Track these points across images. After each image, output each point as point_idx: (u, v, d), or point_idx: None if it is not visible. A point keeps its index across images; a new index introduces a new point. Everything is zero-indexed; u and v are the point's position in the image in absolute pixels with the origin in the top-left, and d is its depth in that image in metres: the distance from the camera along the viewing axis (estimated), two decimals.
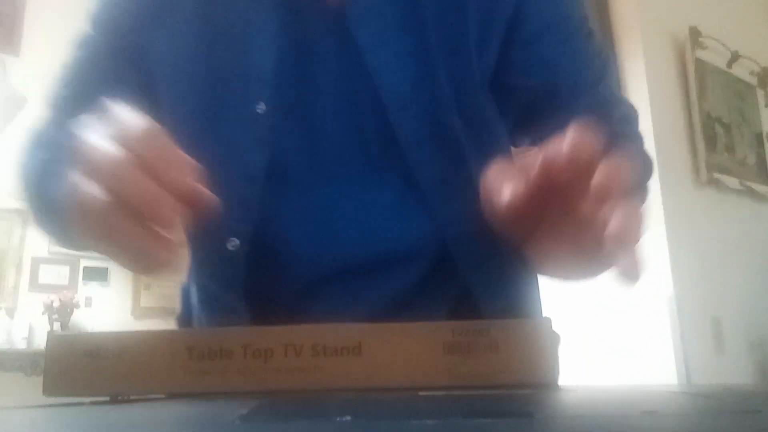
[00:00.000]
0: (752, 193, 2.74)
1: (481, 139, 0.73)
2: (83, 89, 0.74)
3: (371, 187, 0.71)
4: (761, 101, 3.01)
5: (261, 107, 0.67)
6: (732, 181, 2.64)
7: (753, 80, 2.98)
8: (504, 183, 0.49)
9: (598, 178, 0.45)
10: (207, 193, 0.46)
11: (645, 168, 0.77)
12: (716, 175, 2.55)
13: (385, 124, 0.69)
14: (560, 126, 0.63)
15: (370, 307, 0.70)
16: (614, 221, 0.44)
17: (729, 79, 2.84)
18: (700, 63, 2.64)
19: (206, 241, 0.70)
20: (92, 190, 0.44)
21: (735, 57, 2.82)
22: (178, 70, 0.71)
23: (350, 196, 0.70)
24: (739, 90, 2.91)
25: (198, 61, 0.70)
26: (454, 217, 0.70)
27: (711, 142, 2.60)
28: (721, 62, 2.78)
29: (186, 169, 0.46)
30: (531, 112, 0.78)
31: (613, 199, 0.45)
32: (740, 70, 2.89)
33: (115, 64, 0.73)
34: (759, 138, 2.95)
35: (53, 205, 0.60)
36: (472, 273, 0.72)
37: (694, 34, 2.63)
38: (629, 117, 0.80)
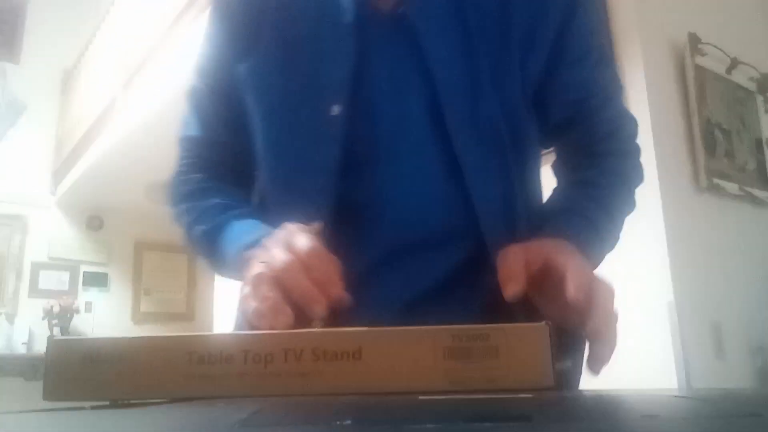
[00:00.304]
0: (752, 199, 2.74)
1: (517, 137, 0.83)
2: (201, 133, 0.93)
3: (423, 173, 0.81)
4: (761, 107, 3.01)
5: (335, 110, 0.79)
6: (732, 187, 2.64)
7: (752, 86, 2.98)
8: (510, 277, 0.65)
9: (591, 322, 0.63)
10: (346, 295, 0.63)
11: (638, 179, 0.91)
12: (716, 181, 2.55)
13: (436, 115, 0.80)
14: (583, 135, 0.90)
15: (415, 287, 0.80)
16: (599, 346, 0.64)
17: (728, 85, 2.84)
18: (699, 69, 2.64)
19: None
20: (266, 275, 0.63)
21: (734, 63, 2.82)
22: (265, 89, 0.85)
23: (404, 181, 0.81)
24: (739, 96, 2.91)
25: (280, 77, 0.83)
26: (490, 202, 0.80)
27: (711, 147, 2.60)
28: (720, 68, 2.78)
29: (336, 277, 0.63)
30: (561, 122, 0.90)
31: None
32: (740, 76, 2.89)
33: (217, 103, 0.91)
34: (759, 144, 2.95)
35: (220, 261, 0.82)
36: None
37: (694, 40, 2.63)
38: (633, 133, 0.93)
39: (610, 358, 0.65)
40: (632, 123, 0.94)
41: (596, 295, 0.65)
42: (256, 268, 0.65)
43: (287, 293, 0.62)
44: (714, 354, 2.30)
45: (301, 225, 0.69)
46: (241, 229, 0.79)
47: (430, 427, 0.30)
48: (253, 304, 0.63)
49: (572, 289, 0.62)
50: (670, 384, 2.07)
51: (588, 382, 0.84)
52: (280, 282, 0.62)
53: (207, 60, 0.92)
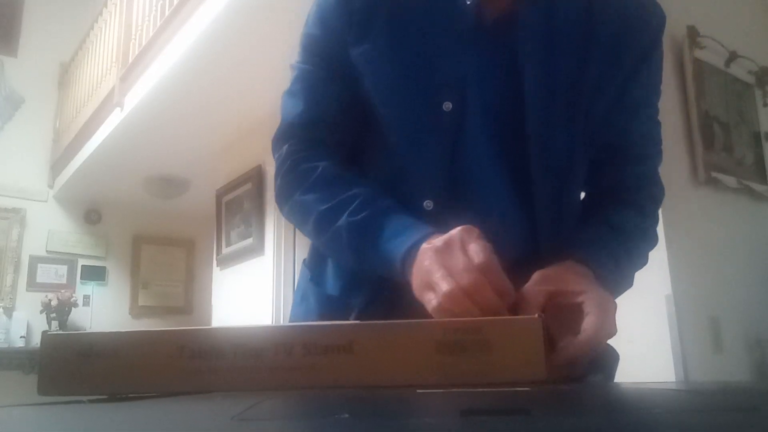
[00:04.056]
0: (750, 192, 2.74)
1: (574, 168, 0.88)
2: (317, 115, 0.91)
3: (497, 173, 0.86)
4: (759, 100, 3.01)
5: (447, 106, 0.84)
6: (730, 180, 2.64)
7: (751, 79, 2.98)
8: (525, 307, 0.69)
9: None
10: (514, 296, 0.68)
11: (653, 242, 0.94)
12: (714, 174, 2.55)
13: (517, 127, 0.84)
14: (612, 181, 0.94)
15: None
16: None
17: (727, 79, 2.84)
18: (698, 62, 2.64)
19: (405, 200, 0.84)
20: (458, 294, 0.65)
21: (733, 56, 2.82)
22: (383, 74, 0.87)
23: (482, 177, 0.86)
24: (737, 89, 2.91)
25: (393, 66, 0.86)
26: (548, 213, 0.86)
27: (709, 141, 2.59)
28: (719, 62, 2.78)
29: (509, 285, 0.67)
30: (596, 161, 0.92)
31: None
32: (738, 70, 2.89)
33: (333, 85, 0.91)
34: (757, 137, 2.95)
35: (371, 254, 0.79)
36: None
37: (692, 33, 2.63)
38: (658, 200, 0.97)
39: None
40: (661, 191, 0.98)
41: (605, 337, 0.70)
42: (444, 283, 0.67)
43: (476, 306, 0.65)
44: (712, 348, 2.30)
45: (470, 228, 0.71)
46: (402, 224, 0.79)
47: (428, 420, 0.30)
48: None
49: (590, 337, 0.68)
50: (667, 377, 2.07)
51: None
52: (472, 299, 0.65)
53: (321, 43, 0.91)
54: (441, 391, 0.48)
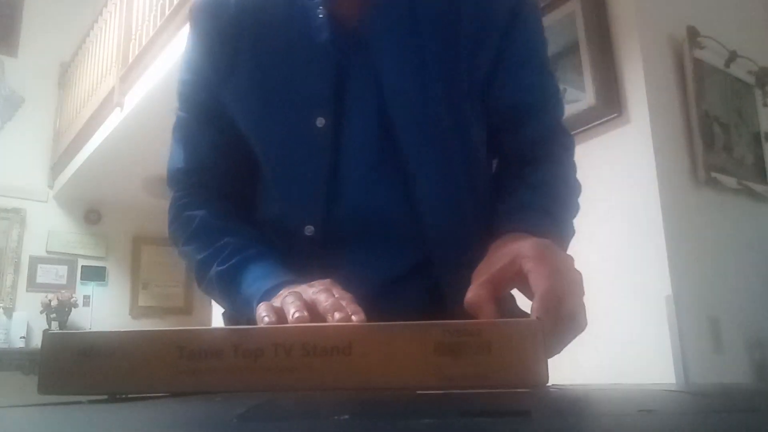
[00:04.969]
0: (750, 193, 2.74)
1: (465, 140, 0.87)
2: (195, 162, 0.93)
3: (378, 180, 0.85)
4: (759, 101, 3.01)
5: (320, 122, 0.83)
6: (730, 181, 2.63)
7: (751, 80, 2.97)
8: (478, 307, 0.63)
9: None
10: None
11: (574, 194, 0.90)
12: (714, 175, 2.54)
13: (388, 123, 0.83)
14: (519, 141, 0.90)
15: (369, 282, 0.82)
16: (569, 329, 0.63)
17: (727, 79, 2.83)
18: (698, 62, 2.64)
19: (287, 230, 0.85)
20: (294, 294, 0.65)
21: (733, 57, 2.82)
22: (249, 109, 0.87)
23: (364, 186, 0.85)
24: (738, 89, 2.90)
25: (262, 97, 0.86)
26: (434, 205, 0.84)
27: (709, 141, 2.59)
28: (719, 62, 2.78)
29: (358, 307, 0.61)
30: (499, 125, 0.91)
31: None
32: (738, 70, 2.88)
33: (208, 131, 0.92)
34: (757, 137, 2.94)
35: (235, 301, 0.81)
36: (443, 267, 0.84)
37: (692, 33, 2.63)
38: (567, 145, 0.94)
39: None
40: (570, 140, 0.94)
41: (567, 289, 0.63)
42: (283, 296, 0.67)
43: (313, 305, 0.63)
44: (712, 348, 2.30)
45: (332, 281, 0.70)
46: (261, 273, 0.80)
47: (429, 422, 0.30)
48: (269, 315, 0.63)
49: (540, 304, 0.61)
50: (667, 378, 2.07)
51: (586, 378, 0.85)
52: (308, 298, 0.64)
53: (192, 88, 0.93)
54: (441, 392, 0.48)
